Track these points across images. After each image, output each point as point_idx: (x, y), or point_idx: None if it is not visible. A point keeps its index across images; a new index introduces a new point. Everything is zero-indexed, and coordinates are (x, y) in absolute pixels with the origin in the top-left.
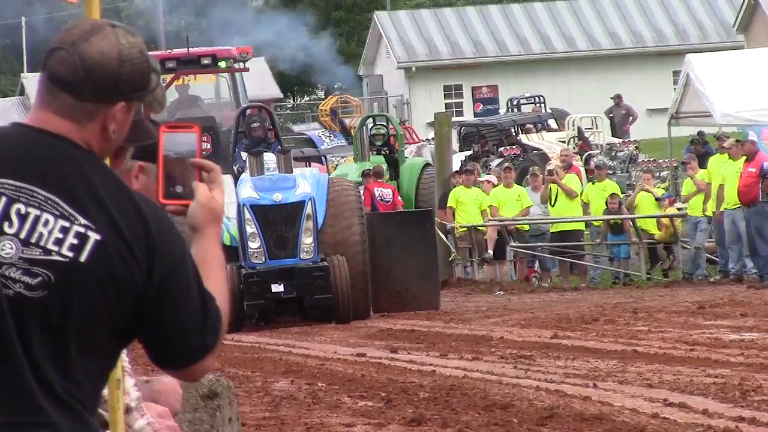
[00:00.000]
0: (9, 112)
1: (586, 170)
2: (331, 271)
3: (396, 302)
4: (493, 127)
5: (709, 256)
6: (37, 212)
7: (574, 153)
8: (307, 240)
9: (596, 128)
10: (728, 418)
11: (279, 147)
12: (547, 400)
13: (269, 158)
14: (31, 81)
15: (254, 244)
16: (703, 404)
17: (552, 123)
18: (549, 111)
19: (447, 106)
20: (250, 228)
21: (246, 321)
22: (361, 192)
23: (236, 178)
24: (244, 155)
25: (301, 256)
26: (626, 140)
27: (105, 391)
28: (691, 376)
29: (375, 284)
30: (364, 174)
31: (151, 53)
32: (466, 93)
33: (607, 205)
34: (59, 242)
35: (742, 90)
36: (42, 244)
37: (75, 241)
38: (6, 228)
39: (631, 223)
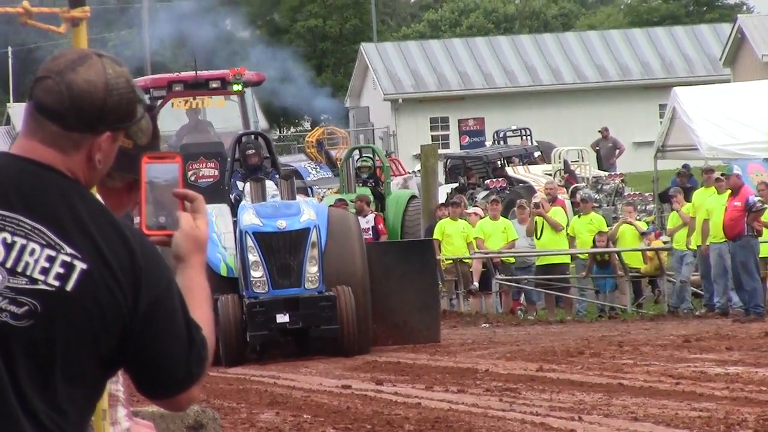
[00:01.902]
0: None
1: (572, 203)
2: (337, 301)
3: (394, 335)
4: (480, 159)
5: (695, 289)
6: (24, 241)
7: (560, 186)
8: (311, 269)
9: (582, 161)
10: None
11: (277, 175)
12: None
13: (269, 186)
14: (17, 110)
15: (257, 273)
16: None
17: (538, 155)
18: (535, 144)
19: (433, 138)
20: (253, 256)
21: (248, 354)
22: (372, 220)
23: (233, 207)
24: (240, 184)
25: (305, 286)
26: (612, 173)
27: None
28: (676, 410)
29: (373, 316)
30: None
31: (158, 76)
32: (452, 125)
33: (594, 244)
34: (45, 271)
35: (729, 124)
36: (28, 273)
37: (61, 271)
38: None
39: (617, 256)
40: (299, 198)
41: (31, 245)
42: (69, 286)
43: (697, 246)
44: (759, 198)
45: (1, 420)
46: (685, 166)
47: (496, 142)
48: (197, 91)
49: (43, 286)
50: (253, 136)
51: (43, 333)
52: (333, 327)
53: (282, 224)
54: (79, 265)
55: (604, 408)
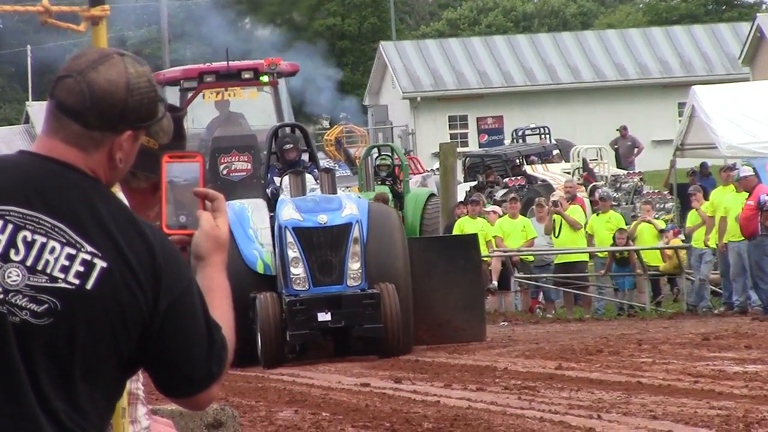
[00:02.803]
0: (14, 140)
1: (590, 201)
2: (381, 299)
3: (437, 334)
4: (498, 157)
5: (714, 288)
6: (44, 239)
7: (578, 184)
8: (354, 266)
9: (601, 159)
10: None
11: (316, 168)
12: (551, 431)
13: (308, 180)
14: (36, 109)
15: (297, 270)
16: None
17: (557, 154)
18: (554, 142)
19: (452, 136)
20: (293, 252)
21: (288, 355)
22: None
23: (269, 202)
24: (277, 180)
25: (347, 283)
26: (631, 172)
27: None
28: (695, 408)
29: (415, 315)
30: None
31: (189, 67)
32: (471, 123)
33: (614, 240)
34: (65, 269)
35: (748, 122)
36: (48, 271)
37: (81, 269)
38: (12, 255)
39: (635, 255)
40: (340, 192)
41: (51, 243)
42: (89, 285)
43: (716, 244)
44: None
45: (21, 419)
46: (703, 165)
47: (514, 140)
48: (229, 82)
49: (62, 285)
50: (289, 129)
51: (63, 331)
52: (376, 326)
53: (323, 219)
54: (99, 264)
55: (623, 406)
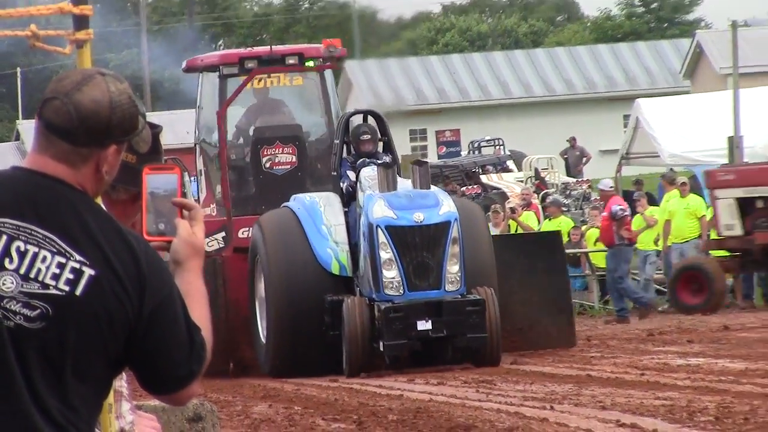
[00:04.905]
0: (6, 157)
1: (542, 208)
2: (485, 305)
3: (517, 341)
4: (456, 168)
5: (658, 287)
6: (36, 249)
7: (532, 192)
8: (452, 268)
9: (552, 168)
10: None
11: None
12: (507, 421)
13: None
14: (26, 127)
15: (390, 273)
16: (653, 425)
17: (511, 164)
18: (508, 153)
19: (413, 148)
20: (386, 254)
21: (379, 365)
22: None
23: (344, 198)
24: (351, 175)
25: (445, 288)
26: (580, 179)
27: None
28: (641, 399)
29: None
30: None
31: (228, 51)
32: (430, 136)
33: (569, 237)
34: (56, 277)
35: (688, 132)
36: (40, 278)
37: (71, 276)
38: (7, 264)
39: (585, 257)
40: (433, 187)
41: (43, 253)
42: (78, 291)
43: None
44: (621, 207)
45: (16, 417)
46: (637, 182)
47: (471, 151)
48: (274, 68)
49: (54, 291)
50: (362, 117)
51: (55, 335)
52: (481, 335)
53: (419, 217)
54: (88, 272)
55: (574, 398)
